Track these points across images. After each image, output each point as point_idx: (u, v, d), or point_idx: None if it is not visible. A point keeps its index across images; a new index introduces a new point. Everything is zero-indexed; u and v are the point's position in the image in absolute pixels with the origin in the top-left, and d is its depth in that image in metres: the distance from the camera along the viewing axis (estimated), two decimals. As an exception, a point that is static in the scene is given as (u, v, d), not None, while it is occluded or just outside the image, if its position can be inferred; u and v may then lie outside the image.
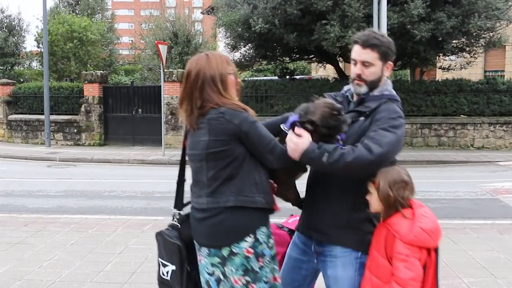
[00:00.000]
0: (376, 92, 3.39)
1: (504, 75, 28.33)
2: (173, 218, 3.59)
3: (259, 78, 26.78)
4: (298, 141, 3.14)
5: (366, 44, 3.32)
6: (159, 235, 3.62)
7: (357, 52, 3.38)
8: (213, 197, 3.21)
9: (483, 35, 20.17)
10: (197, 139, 3.23)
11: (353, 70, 3.41)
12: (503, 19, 19.50)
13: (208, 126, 3.16)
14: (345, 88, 3.59)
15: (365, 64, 3.34)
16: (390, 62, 3.41)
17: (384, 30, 11.26)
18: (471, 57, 21.49)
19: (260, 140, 3.18)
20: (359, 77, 3.37)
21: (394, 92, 3.44)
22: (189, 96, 3.25)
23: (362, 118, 3.30)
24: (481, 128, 20.19)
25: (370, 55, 3.32)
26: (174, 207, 3.61)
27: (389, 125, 3.17)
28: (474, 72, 26.91)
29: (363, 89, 3.37)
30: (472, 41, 20.24)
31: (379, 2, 11.20)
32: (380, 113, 3.25)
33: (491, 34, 20.19)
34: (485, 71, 30.15)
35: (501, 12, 18.91)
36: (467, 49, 20.93)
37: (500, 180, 13.50)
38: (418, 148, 19.84)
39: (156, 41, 21.57)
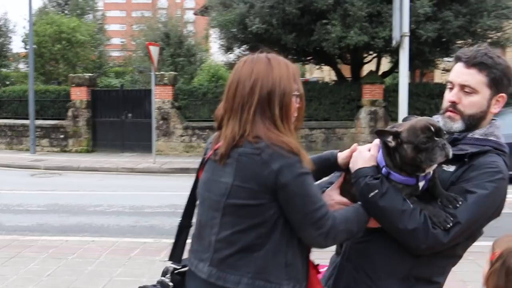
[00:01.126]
0: (477, 134, 2.37)
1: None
2: (166, 274, 2.48)
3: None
4: (359, 155, 2.38)
5: (472, 62, 2.33)
6: None
7: (457, 72, 2.38)
8: (219, 269, 2.19)
9: (489, 35, 19.30)
10: (217, 178, 2.22)
11: (447, 96, 2.41)
12: (511, 18, 18.62)
13: (236, 163, 2.15)
14: (434, 118, 2.50)
15: (465, 89, 2.34)
16: (503, 95, 2.37)
17: (406, 28, 10.29)
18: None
19: (304, 202, 2.12)
20: (453, 106, 2.36)
21: (502, 139, 2.41)
22: (237, 115, 2.20)
23: (454, 167, 2.31)
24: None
25: (475, 78, 2.32)
26: (170, 259, 2.55)
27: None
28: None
29: (457, 125, 2.37)
30: (479, 41, 19.31)
31: (402, -6, 10.24)
32: (476, 170, 2.28)
33: (498, 34, 19.31)
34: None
35: (510, 10, 18.06)
36: (473, 50, 20.00)
37: (516, 190, 12.56)
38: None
39: (147, 43, 20.57)
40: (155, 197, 12.27)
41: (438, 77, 26.22)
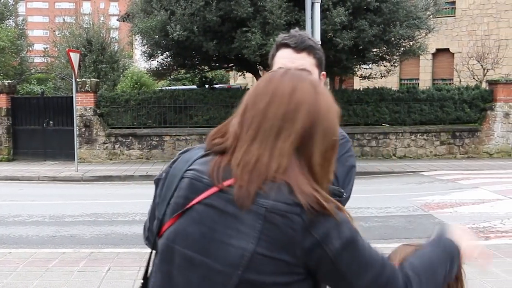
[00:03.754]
0: None
1: (419, 83, 28.47)
2: None
3: (177, 87, 25.63)
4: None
5: (302, 47, 2.37)
6: None
7: (289, 57, 2.37)
8: None
9: (402, 44, 19.89)
10: (222, 237, 1.50)
11: None
12: (422, 28, 19.26)
13: (262, 223, 1.46)
14: None
15: None
16: (324, 73, 2.50)
17: (317, 37, 10.48)
18: (391, 65, 21.17)
19: (362, 270, 1.53)
20: None
21: None
22: (267, 139, 1.53)
23: None
24: (402, 137, 19.82)
25: (308, 61, 2.36)
26: None
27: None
28: (390, 80, 26.78)
29: None
30: (393, 49, 19.90)
31: (312, 7, 10.40)
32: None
33: (410, 43, 19.93)
34: (401, 79, 30.27)
35: (421, 21, 18.65)
36: (387, 57, 20.60)
37: (429, 193, 12.97)
38: (342, 158, 19.11)
39: (67, 49, 20.10)
40: (77, 206, 11.96)
41: (357, 83, 26.80)
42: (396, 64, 21.69)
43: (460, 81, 25.66)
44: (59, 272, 6.99)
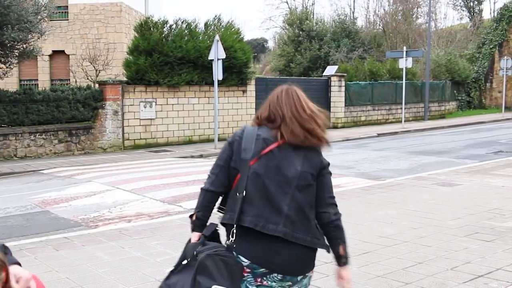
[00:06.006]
0: None
1: (38, 84, 28.34)
2: (230, 236, 2.98)
3: None
4: None
5: None
6: (211, 259, 2.86)
7: None
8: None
9: (17, 46, 19.60)
10: (285, 164, 3.05)
11: None
12: (34, 32, 19.26)
13: (302, 156, 3.15)
14: None
15: None
16: None
17: None
18: (7, 67, 20.63)
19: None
20: None
21: None
22: None
23: None
24: (22, 137, 19.54)
25: None
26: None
27: None
28: (10, 82, 26.12)
29: None
30: (7, 52, 19.48)
31: None
32: None
33: (24, 45, 19.73)
34: (20, 81, 29.70)
35: (32, 25, 18.66)
36: (2, 59, 20.05)
37: (47, 190, 13.13)
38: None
39: None
40: None
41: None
42: (12, 66, 21.18)
43: (76, 81, 26.23)
44: None
